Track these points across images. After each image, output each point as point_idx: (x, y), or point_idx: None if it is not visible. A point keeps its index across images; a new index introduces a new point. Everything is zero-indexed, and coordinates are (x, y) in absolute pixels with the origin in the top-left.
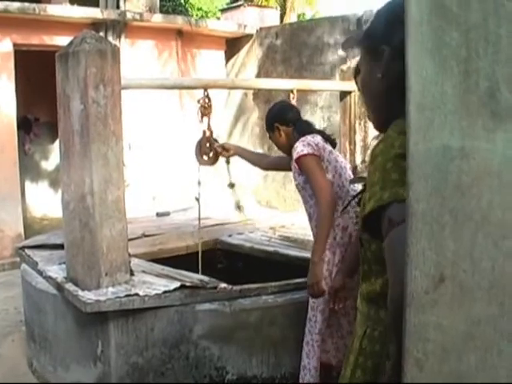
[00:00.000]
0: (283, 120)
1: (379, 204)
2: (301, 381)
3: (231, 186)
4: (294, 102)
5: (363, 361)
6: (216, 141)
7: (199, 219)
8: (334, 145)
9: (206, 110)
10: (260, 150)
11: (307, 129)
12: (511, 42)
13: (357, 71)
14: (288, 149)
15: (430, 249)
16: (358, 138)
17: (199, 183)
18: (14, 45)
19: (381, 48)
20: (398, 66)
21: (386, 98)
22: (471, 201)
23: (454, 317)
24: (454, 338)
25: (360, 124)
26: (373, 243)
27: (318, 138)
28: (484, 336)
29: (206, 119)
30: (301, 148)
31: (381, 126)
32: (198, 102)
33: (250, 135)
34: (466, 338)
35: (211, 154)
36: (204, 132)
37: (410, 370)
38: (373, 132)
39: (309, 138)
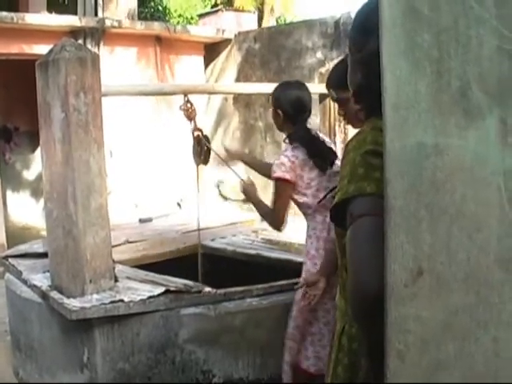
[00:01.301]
0: (285, 111)
1: (344, 197)
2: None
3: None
4: None
5: (342, 357)
6: (207, 139)
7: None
8: (330, 160)
9: (190, 113)
10: None
11: (298, 140)
12: (480, 42)
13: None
14: (280, 129)
15: (408, 242)
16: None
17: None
18: None
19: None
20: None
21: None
22: (445, 196)
23: (433, 308)
24: (434, 329)
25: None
26: (344, 237)
27: (299, 152)
28: (461, 325)
29: (193, 122)
30: (275, 168)
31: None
32: (180, 108)
33: (231, 140)
34: (444, 328)
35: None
36: (193, 133)
37: (392, 361)
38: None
39: (288, 152)
